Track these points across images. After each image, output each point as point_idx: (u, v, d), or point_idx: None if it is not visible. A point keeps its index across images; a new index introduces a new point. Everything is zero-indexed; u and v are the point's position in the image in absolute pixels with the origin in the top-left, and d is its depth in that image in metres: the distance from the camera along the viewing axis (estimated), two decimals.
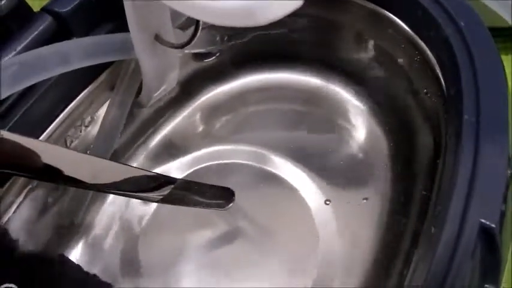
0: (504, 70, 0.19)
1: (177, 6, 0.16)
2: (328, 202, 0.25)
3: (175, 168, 0.27)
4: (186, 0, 0.15)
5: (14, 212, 0.22)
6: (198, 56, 0.28)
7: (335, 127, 0.27)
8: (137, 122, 0.27)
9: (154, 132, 0.28)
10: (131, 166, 0.22)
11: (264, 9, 0.14)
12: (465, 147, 0.17)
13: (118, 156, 0.27)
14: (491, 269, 0.16)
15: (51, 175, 0.16)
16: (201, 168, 0.27)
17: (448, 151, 0.19)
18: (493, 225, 0.15)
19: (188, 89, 0.28)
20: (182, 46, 0.21)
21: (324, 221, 0.24)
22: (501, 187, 0.16)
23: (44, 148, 0.17)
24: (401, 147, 0.26)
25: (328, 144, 0.27)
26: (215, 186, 0.23)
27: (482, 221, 0.15)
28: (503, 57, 0.34)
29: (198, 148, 0.28)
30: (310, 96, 0.29)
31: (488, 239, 0.15)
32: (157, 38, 0.21)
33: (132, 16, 0.19)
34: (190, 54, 0.27)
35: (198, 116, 0.29)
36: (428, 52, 0.22)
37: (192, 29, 0.20)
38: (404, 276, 0.19)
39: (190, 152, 0.28)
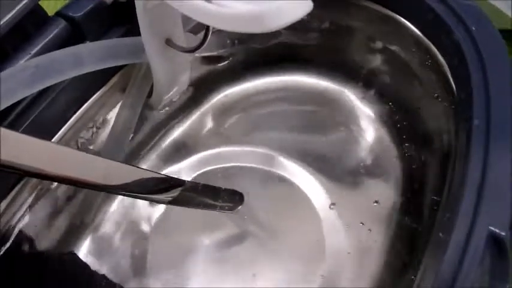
0: None
1: (188, 12, 0.16)
2: (333, 206, 0.25)
3: (186, 169, 0.27)
4: (197, 6, 0.16)
5: (28, 211, 0.23)
6: (211, 60, 0.28)
7: (345, 130, 0.27)
8: (149, 123, 0.27)
9: (166, 134, 0.28)
10: (141, 168, 0.23)
11: (273, 15, 0.14)
12: (474, 153, 0.17)
13: (131, 156, 0.27)
14: (500, 276, 0.15)
15: (62, 177, 0.17)
16: (211, 169, 0.27)
17: (458, 156, 0.19)
18: (503, 233, 0.15)
19: (199, 90, 0.29)
20: (193, 50, 0.21)
21: (331, 223, 0.24)
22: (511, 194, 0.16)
23: (56, 150, 0.17)
24: (411, 151, 0.26)
25: (338, 147, 0.27)
26: (224, 188, 0.23)
27: (491, 228, 0.15)
28: None
29: (208, 149, 0.28)
30: (321, 99, 0.28)
31: (498, 247, 0.15)
32: (169, 42, 0.21)
33: (143, 21, 0.19)
34: (202, 57, 0.27)
35: (209, 117, 0.29)
36: (439, 56, 0.22)
37: (203, 33, 0.20)
38: (413, 281, 0.19)
39: (201, 153, 0.28)
